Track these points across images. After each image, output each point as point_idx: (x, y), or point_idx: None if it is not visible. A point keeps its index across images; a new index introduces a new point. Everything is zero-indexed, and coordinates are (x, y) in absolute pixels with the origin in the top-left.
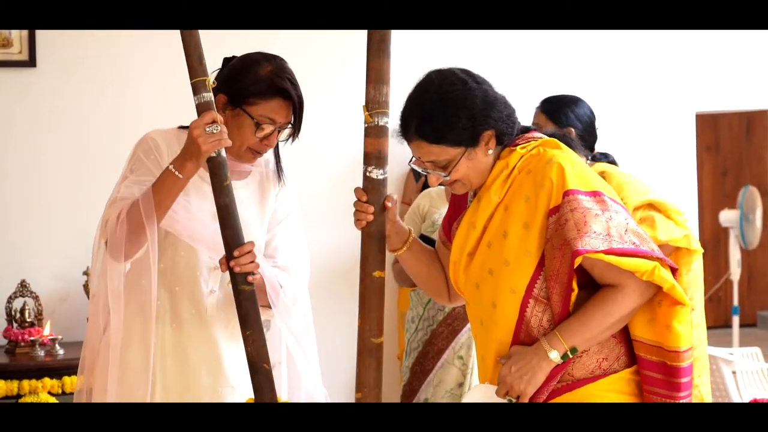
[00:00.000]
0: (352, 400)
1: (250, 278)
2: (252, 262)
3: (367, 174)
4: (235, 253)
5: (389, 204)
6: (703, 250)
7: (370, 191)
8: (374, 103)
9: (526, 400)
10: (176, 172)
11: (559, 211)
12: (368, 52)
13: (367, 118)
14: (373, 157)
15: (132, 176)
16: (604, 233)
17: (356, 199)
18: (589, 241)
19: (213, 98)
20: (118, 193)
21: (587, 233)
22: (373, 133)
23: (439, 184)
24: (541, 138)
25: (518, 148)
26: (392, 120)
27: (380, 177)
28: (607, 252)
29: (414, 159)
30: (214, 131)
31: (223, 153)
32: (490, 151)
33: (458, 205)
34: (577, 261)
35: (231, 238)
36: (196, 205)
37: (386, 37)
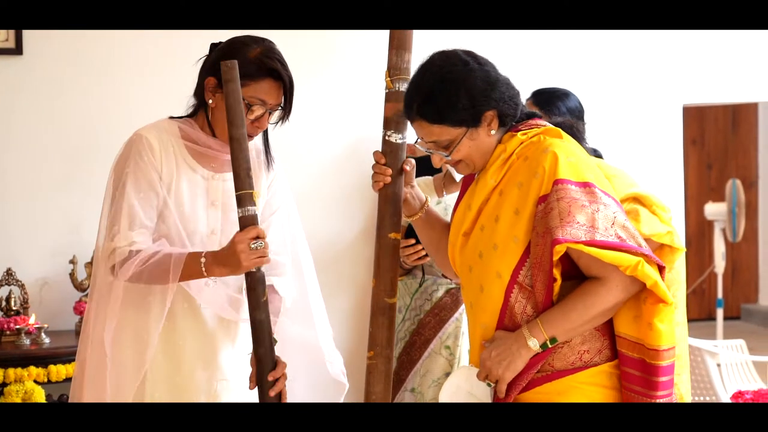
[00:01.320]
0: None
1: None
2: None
3: (387, 138)
4: (269, 378)
5: (407, 168)
6: (685, 249)
7: (389, 154)
8: (395, 69)
9: (505, 386)
10: (204, 270)
11: (547, 200)
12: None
13: (388, 83)
14: (393, 121)
15: (132, 184)
16: (587, 224)
17: (374, 162)
18: (570, 231)
19: (257, 213)
20: (121, 210)
21: (569, 223)
22: (394, 98)
23: (443, 165)
24: (544, 126)
25: (519, 134)
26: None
27: (399, 141)
28: (587, 243)
29: (418, 140)
30: (258, 247)
31: (263, 268)
32: (493, 132)
33: (467, 188)
34: (558, 250)
35: (264, 356)
36: (188, 201)
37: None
